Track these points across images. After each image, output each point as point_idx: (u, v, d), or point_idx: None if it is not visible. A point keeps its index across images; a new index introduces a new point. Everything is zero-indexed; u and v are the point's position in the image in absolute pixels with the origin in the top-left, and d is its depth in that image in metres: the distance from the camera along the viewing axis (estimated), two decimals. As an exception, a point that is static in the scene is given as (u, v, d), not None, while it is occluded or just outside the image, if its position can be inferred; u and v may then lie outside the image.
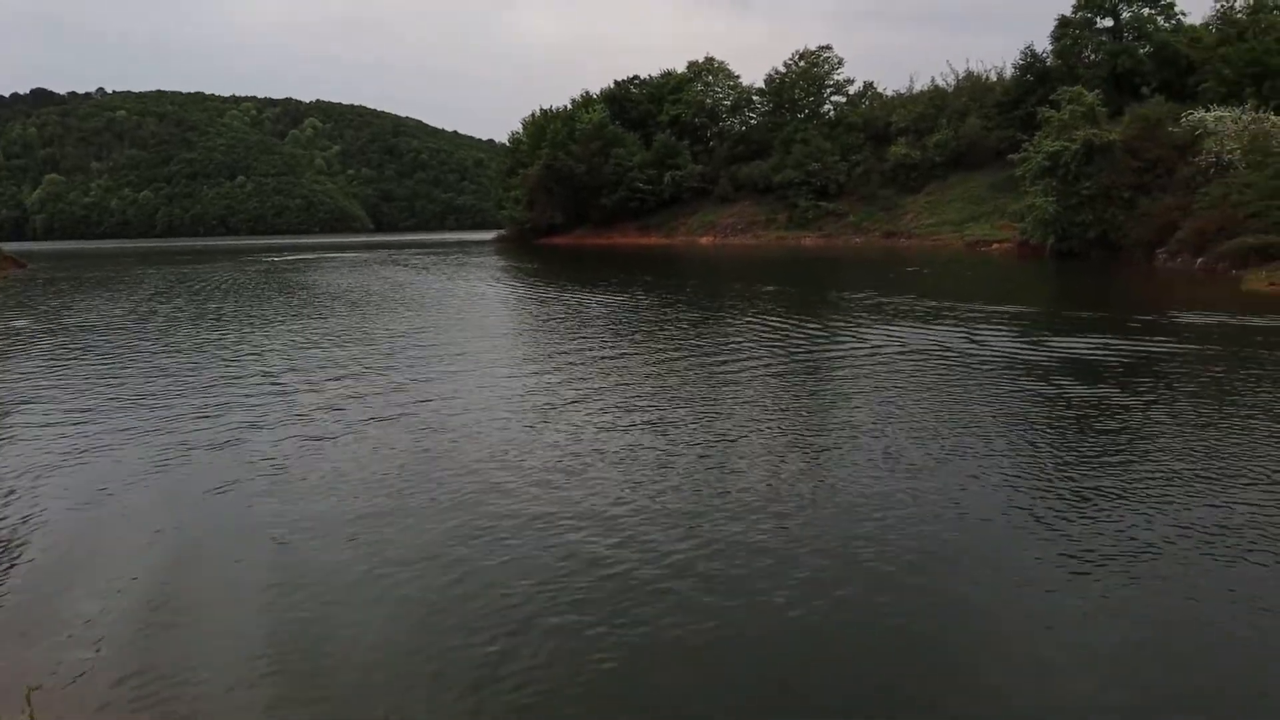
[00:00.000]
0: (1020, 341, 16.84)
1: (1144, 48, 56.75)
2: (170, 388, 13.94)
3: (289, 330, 21.33)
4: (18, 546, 7.35)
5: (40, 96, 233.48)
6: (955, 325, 19.18)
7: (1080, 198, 40.53)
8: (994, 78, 71.42)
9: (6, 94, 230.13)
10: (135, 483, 8.95)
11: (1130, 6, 58.04)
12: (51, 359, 17.46)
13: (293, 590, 6.30)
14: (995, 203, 59.37)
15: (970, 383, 12.92)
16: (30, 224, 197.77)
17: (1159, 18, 57.65)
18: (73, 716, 4.86)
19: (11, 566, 6.94)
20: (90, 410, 12.35)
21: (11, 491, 8.75)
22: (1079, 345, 15.98)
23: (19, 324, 24.01)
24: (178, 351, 18.19)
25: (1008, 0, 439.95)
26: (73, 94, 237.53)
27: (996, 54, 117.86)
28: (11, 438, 10.99)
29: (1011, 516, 7.41)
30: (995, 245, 52.66)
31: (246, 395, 13.19)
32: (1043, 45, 63.19)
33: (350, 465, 9.31)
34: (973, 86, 71.81)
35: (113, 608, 6.14)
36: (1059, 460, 9.04)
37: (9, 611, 6.17)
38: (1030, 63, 63.63)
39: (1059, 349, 15.67)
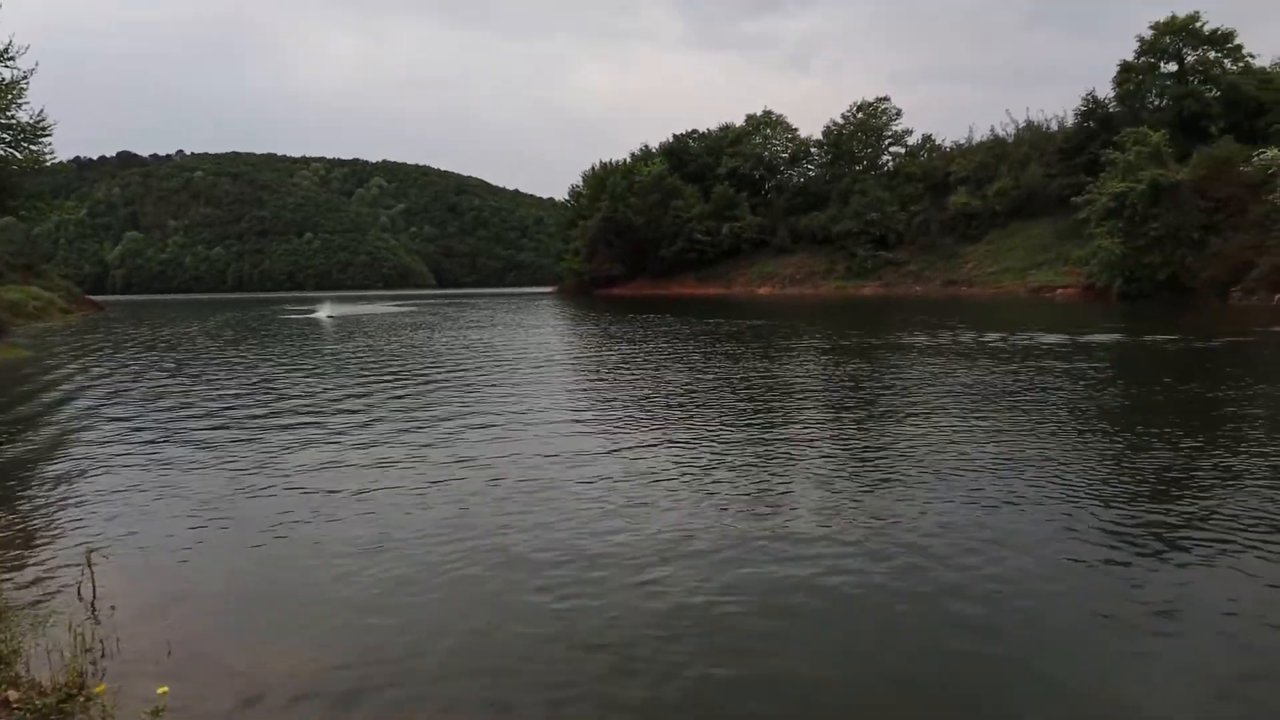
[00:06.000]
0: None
1: (1211, 91, 55.94)
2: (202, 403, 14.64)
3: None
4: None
5: (125, 159, 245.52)
6: (1036, 351, 18.97)
7: (1148, 239, 39.91)
8: (1055, 126, 71.06)
9: (95, 157, 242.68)
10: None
11: (1195, 50, 57.40)
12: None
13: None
14: (1058, 250, 58.71)
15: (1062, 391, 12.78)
16: (110, 279, 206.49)
17: (1226, 60, 56.91)
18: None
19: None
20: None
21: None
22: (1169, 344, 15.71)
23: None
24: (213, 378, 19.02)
25: (1067, 56, 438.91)
26: (155, 155, 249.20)
27: (1056, 104, 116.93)
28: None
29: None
30: (1059, 290, 51.90)
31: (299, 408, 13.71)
32: (1105, 92, 62.98)
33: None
34: (1033, 135, 71.58)
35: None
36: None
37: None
38: (1092, 109, 63.28)
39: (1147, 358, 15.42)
